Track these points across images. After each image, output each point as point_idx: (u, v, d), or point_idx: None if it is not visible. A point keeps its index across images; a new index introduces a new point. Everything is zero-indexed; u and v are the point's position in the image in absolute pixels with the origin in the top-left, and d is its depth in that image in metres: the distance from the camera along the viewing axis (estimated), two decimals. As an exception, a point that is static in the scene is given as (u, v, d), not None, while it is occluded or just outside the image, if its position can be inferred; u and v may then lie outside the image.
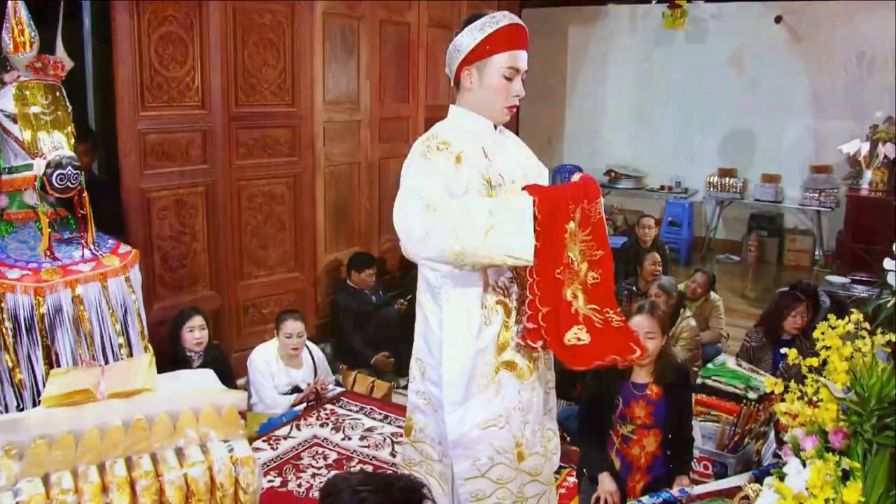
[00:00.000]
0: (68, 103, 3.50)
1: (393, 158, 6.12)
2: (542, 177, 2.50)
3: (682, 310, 4.83)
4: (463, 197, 2.09)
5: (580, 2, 9.51)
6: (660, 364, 3.23)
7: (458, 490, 2.27)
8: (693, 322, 4.86)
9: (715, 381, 4.09)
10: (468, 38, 2.16)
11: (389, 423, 4.22)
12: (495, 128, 2.29)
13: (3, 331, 3.22)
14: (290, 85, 4.96)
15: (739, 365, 4.26)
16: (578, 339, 2.05)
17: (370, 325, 5.29)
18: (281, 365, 4.34)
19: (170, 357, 4.03)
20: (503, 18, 2.17)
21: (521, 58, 2.18)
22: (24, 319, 3.25)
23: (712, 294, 5.54)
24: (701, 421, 3.88)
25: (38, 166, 3.29)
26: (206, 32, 4.44)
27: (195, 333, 4.07)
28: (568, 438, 4.06)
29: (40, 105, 3.35)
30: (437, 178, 2.08)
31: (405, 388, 4.90)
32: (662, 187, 9.05)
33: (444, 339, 2.18)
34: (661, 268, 5.48)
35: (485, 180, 2.16)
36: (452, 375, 2.16)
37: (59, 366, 3.28)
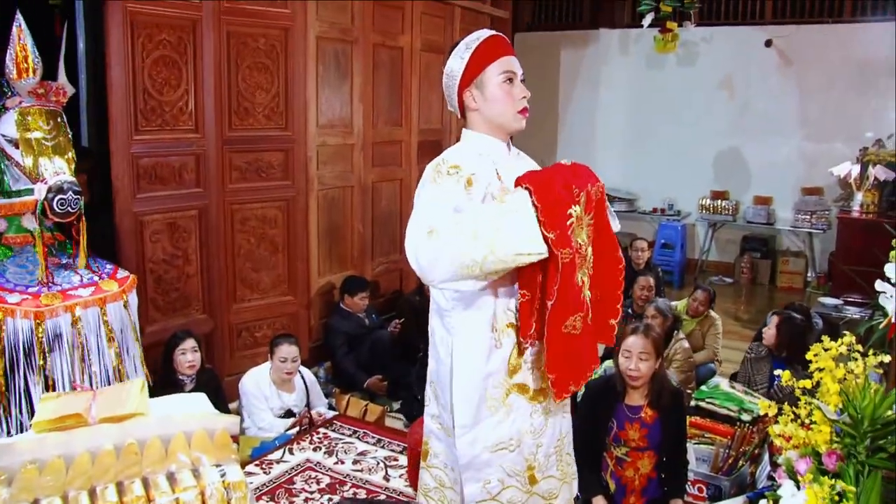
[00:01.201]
0: (69, 129, 3.52)
1: (386, 182, 6.14)
2: None
3: (676, 332, 4.83)
4: None
5: (572, 26, 9.61)
6: (654, 387, 3.23)
7: None
8: (686, 344, 4.86)
9: (709, 403, 4.07)
10: (457, 62, 2.18)
11: (383, 447, 4.20)
12: (509, 149, 2.27)
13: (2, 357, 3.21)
14: (284, 108, 4.98)
15: (733, 387, 4.26)
16: (574, 328, 2.04)
17: (363, 348, 5.28)
18: (273, 389, 4.32)
19: (162, 380, 4.00)
20: (482, 33, 2.19)
21: (513, 62, 2.18)
22: (24, 344, 3.25)
23: (712, 312, 5.55)
24: (695, 443, 3.87)
25: (39, 191, 3.30)
26: (199, 56, 4.46)
27: (188, 356, 4.05)
28: (562, 461, 4.05)
29: (42, 130, 3.36)
30: (444, 203, 2.04)
31: (398, 411, 4.90)
32: (655, 210, 9.10)
33: (453, 363, 2.15)
34: (652, 292, 5.48)
35: (497, 201, 2.08)
36: (462, 399, 2.14)
37: (55, 390, 3.28)
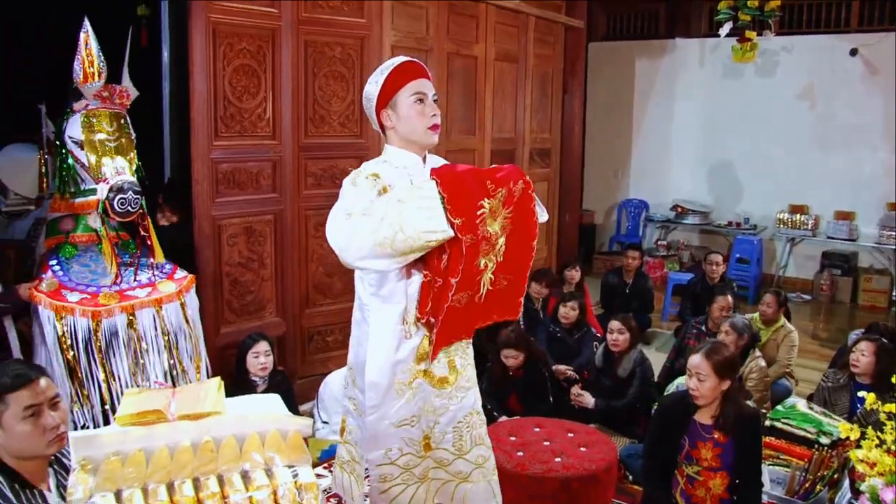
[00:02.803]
0: (132, 131, 3.63)
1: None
2: None
3: (752, 350, 4.70)
4: None
5: (647, 36, 9.50)
6: (725, 406, 3.16)
7: (369, 471, 2.52)
8: (762, 363, 4.72)
9: (784, 423, 3.93)
10: (373, 87, 2.44)
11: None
12: (424, 162, 2.49)
13: (70, 352, 3.32)
14: (359, 116, 5.03)
15: (811, 408, 4.09)
16: (459, 303, 2.29)
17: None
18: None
19: (235, 381, 4.08)
20: (396, 60, 2.46)
21: (424, 84, 2.42)
22: (82, 342, 3.35)
23: (788, 324, 5.39)
24: (769, 465, 3.76)
25: (102, 191, 3.40)
26: (278, 64, 4.55)
27: (260, 359, 4.12)
28: (630, 477, 3.99)
29: (105, 132, 3.47)
30: (362, 197, 2.28)
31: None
32: (730, 223, 8.88)
33: (367, 350, 2.41)
34: (730, 312, 5.30)
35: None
36: (372, 383, 2.40)
37: (118, 387, 3.38)
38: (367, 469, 2.56)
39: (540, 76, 7.10)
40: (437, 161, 2.56)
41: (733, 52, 7.40)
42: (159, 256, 3.69)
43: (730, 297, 5.39)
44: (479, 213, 2.22)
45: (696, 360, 3.14)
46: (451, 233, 2.16)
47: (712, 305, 5.35)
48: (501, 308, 2.49)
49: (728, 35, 7.20)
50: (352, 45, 4.95)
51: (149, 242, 3.66)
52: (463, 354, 2.56)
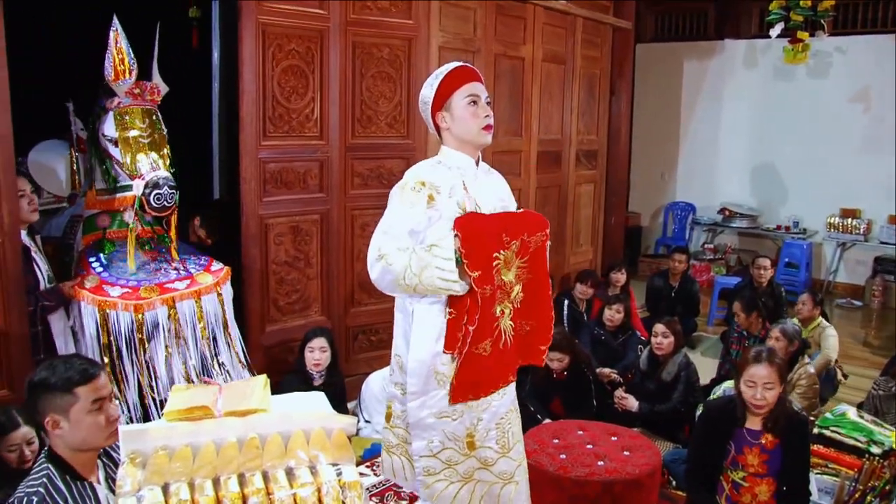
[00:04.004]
0: (164, 126, 3.68)
1: (504, 191, 6.13)
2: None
3: (801, 357, 4.61)
4: (438, 223, 2.47)
5: (696, 37, 9.37)
6: (775, 412, 3.11)
7: (414, 464, 2.62)
8: (811, 369, 4.62)
9: (833, 431, 3.84)
10: (428, 91, 2.58)
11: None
12: (477, 165, 2.63)
13: (111, 346, 3.39)
14: (406, 117, 5.05)
15: (861, 416, 4.00)
16: (484, 350, 2.48)
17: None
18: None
19: (294, 371, 4.22)
20: (450, 65, 2.60)
21: (477, 87, 2.56)
22: (125, 336, 3.42)
23: (824, 321, 5.35)
24: (817, 474, 3.68)
25: (137, 187, 3.47)
26: (326, 65, 4.59)
27: (315, 354, 4.19)
28: (674, 482, 3.94)
29: (138, 129, 3.54)
30: (399, 224, 2.45)
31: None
32: (779, 227, 8.71)
33: (411, 339, 2.55)
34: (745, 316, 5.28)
35: (461, 209, 2.49)
36: (414, 370, 2.53)
37: (157, 380, 3.45)
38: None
39: (587, 77, 7.06)
40: (487, 169, 2.74)
41: (785, 54, 7.27)
42: (175, 253, 3.75)
43: (739, 302, 5.37)
44: (494, 264, 2.44)
45: (760, 370, 3.09)
46: (464, 289, 2.38)
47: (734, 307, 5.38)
48: (525, 354, 2.69)
49: (780, 36, 7.08)
50: (399, 46, 4.97)
51: (170, 236, 3.72)
52: None
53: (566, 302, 6.00)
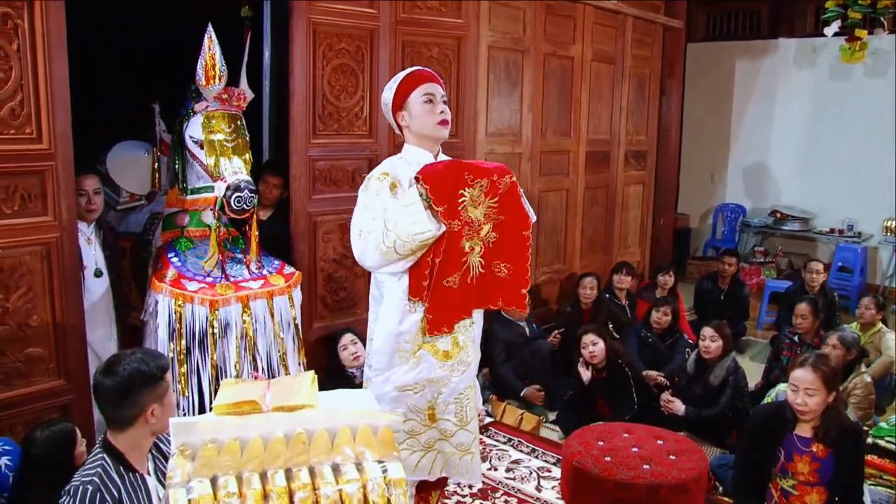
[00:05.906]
0: (247, 132, 3.76)
1: (552, 192, 6.12)
2: None
3: (858, 365, 4.51)
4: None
5: (749, 36, 9.22)
6: (826, 420, 3.05)
7: None
8: (868, 378, 4.53)
9: (889, 442, 3.76)
10: (388, 93, 2.80)
11: (536, 457, 4.19)
12: (436, 158, 2.78)
13: (182, 340, 3.46)
14: (454, 116, 5.00)
15: (918, 426, 3.91)
16: (453, 283, 2.65)
17: (522, 356, 5.27)
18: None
19: (330, 375, 4.21)
20: (408, 69, 2.82)
21: (433, 87, 2.74)
22: (199, 330, 3.48)
23: (884, 327, 5.25)
24: (871, 485, 3.60)
25: (219, 189, 3.54)
26: (375, 64, 4.62)
27: (349, 349, 4.23)
28: (720, 488, 3.89)
29: (224, 133, 3.61)
30: (371, 207, 2.65)
31: (554, 422, 4.87)
32: (832, 230, 8.50)
33: (378, 320, 2.77)
34: (808, 322, 5.11)
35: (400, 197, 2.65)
36: (380, 348, 2.76)
37: (225, 376, 3.50)
38: None
39: (637, 77, 6.99)
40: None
41: (841, 52, 7.12)
42: (253, 254, 3.80)
43: (809, 306, 5.16)
44: (460, 200, 2.60)
45: (803, 374, 3.03)
46: (439, 230, 2.54)
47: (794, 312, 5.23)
48: (506, 296, 2.79)
49: (836, 34, 6.93)
50: (449, 45, 4.98)
51: (249, 238, 3.79)
52: (465, 332, 2.81)
53: (606, 296, 5.98)
